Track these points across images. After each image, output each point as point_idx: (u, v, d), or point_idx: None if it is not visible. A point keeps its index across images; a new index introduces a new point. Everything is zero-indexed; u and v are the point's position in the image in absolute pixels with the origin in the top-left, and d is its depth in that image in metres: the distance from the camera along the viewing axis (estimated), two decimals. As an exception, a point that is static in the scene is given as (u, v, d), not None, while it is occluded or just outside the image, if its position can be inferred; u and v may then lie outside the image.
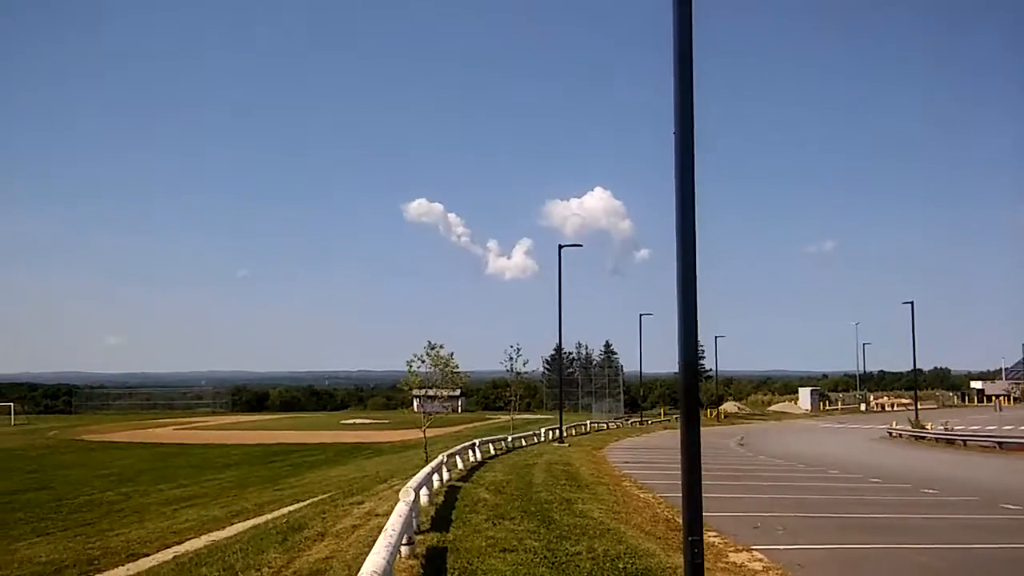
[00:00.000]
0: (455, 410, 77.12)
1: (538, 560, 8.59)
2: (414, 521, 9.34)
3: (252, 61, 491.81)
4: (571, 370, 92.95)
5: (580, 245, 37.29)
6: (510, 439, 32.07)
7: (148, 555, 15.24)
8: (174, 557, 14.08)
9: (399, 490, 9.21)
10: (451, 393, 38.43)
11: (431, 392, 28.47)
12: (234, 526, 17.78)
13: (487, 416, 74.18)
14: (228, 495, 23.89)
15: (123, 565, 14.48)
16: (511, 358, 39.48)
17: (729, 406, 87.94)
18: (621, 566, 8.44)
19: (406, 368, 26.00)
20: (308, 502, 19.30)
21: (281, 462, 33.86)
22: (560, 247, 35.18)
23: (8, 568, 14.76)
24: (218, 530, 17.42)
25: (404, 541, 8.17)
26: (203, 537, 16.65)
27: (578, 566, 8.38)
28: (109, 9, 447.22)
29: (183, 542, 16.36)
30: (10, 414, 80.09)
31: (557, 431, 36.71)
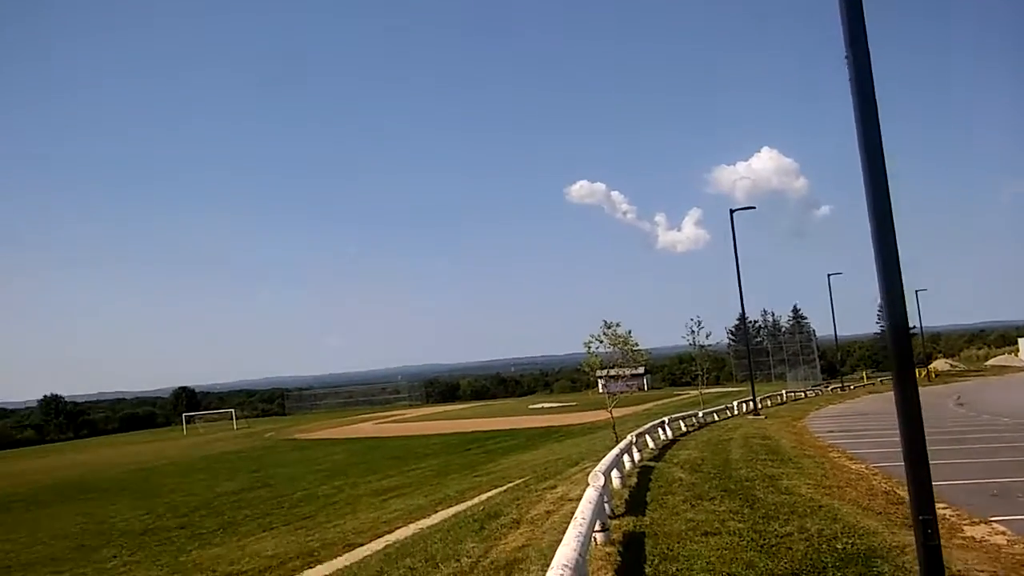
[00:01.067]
0: (640, 388, 76.40)
1: (744, 543, 8.06)
2: (607, 506, 9.11)
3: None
4: (759, 339, 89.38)
5: (753, 207, 35.33)
6: (701, 414, 31.19)
7: (362, 544, 15.97)
8: (385, 547, 14.66)
9: (590, 472, 9.00)
10: (634, 371, 37.83)
11: (613, 372, 28.13)
12: (438, 514, 18.31)
13: (675, 392, 72.90)
14: (431, 484, 24.74)
15: (341, 555, 15.24)
16: (692, 331, 38.16)
17: (940, 364, 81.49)
18: (839, 547, 7.72)
19: (585, 350, 25.81)
20: (504, 487, 19.57)
21: (477, 449, 34.76)
22: (732, 211, 33.73)
23: (240, 563, 15.93)
24: (424, 518, 17.99)
25: (598, 527, 7.94)
26: (411, 526, 17.26)
27: (790, 548, 7.75)
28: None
29: (393, 531, 17.02)
30: (232, 419, 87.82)
31: (751, 403, 35.33)
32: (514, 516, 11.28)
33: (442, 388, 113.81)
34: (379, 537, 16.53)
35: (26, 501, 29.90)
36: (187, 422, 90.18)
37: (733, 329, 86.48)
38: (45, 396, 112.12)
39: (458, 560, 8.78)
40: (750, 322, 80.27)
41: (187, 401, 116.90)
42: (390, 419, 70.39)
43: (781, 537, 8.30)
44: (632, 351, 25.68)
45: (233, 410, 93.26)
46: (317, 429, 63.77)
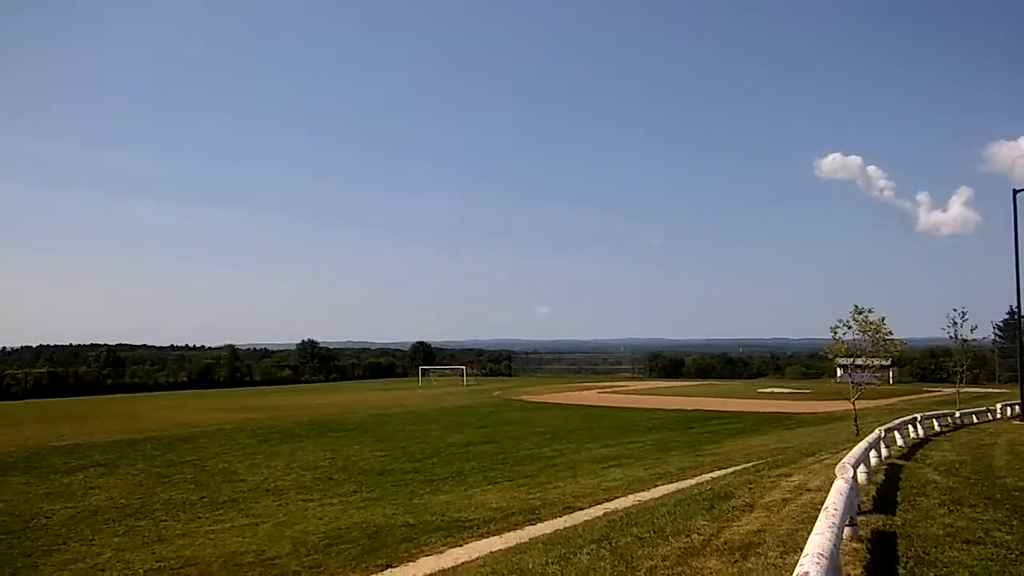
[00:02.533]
0: (887, 381, 70.86)
1: (1014, 557, 7.09)
2: (855, 501, 8.36)
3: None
4: (1031, 336, 79.38)
5: (1041, 187, 31.03)
6: (958, 415, 28.25)
7: (581, 509, 16.10)
8: (604, 513, 14.63)
9: (828, 464, 8.32)
10: (882, 362, 34.99)
11: (859, 361, 26.15)
12: (658, 488, 18.04)
13: (924, 388, 66.96)
14: (650, 458, 24.47)
15: (560, 516, 15.44)
16: (955, 323, 34.55)
17: None
18: None
19: (830, 334, 24.18)
20: (730, 470, 18.88)
21: (699, 428, 33.95)
22: (1015, 192, 29.88)
23: (467, 511, 16.61)
24: (643, 491, 17.80)
25: (846, 522, 7.31)
26: (630, 496, 17.14)
27: (1070, 569, 6.74)
28: None
29: (612, 499, 17.01)
30: (463, 375, 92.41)
31: (1017, 406, 31.50)
32: (747, 500, 10.73)
33: (665, 363, 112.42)
34: (598, 504, 16.57)
35: (283, 434, 33.19)
36: (422, 374, 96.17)
37: (1001, 324, 77.67)
38: (303, 341, 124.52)
39: (688, 536, 8.46)
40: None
41: (423, 355, 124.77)
42: (612, 389, 70.69)
43: (1059, 554, 7.21)
44: (884, 340, 23.72)
45: (464, 367, 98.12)
46: (542, 392, 65.44)
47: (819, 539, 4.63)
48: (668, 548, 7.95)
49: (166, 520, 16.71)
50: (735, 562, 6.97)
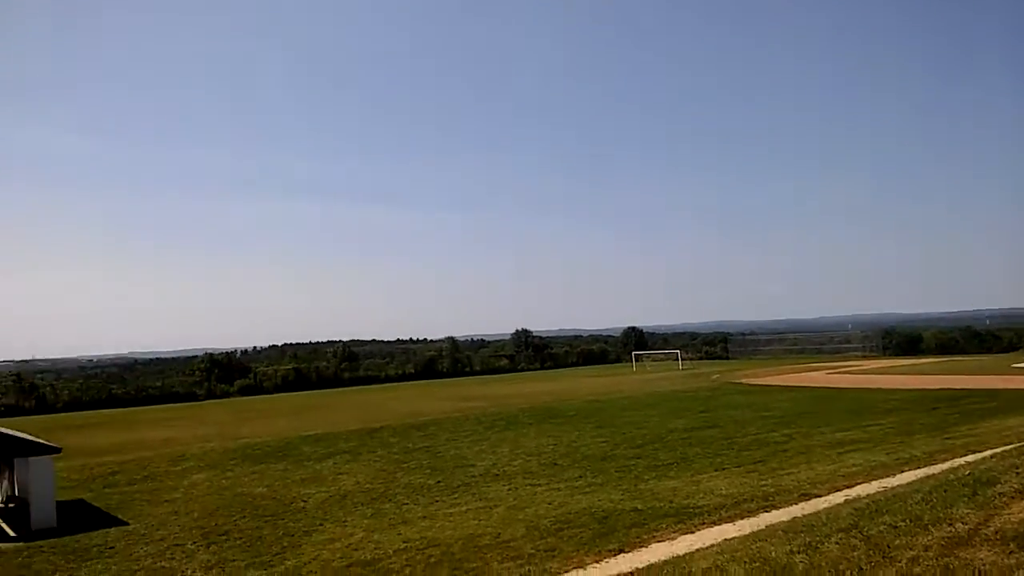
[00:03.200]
0: None
1: None
2: None
3: None
4: None
5: None
6: None
7: (819, 496, 15.29)
8: (846, 500, 13.79)
9: None
10: None
11: None
12: (904, 474, 16.77)
13: None
14: (892, 441, 22.76)
15: (797, 503, 14.75)
16: None
17: None
18: None
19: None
20: (987, 453, 17.17)
21: (946, 408, 31.10)
22: None
23: (695, 497, 16.29)
24: (888, 477, 16.63)
25: None
26: (873, 483, 16.06)
27: None
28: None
29: (853, 486, 16.01)
30: (678, 359, 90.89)
31: None
32: (1015, 485, 9.64)
33: (900, 339, 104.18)
34: (837, 491, 15.67)
35: (506, 421, 34.27)
36: (636, 360, 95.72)
37: None
38: (517, 330, 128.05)
39: (951, 524, 7.73)
40: None
41: (636, 340, 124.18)
42: (842, 370, 66.59)
43: None
44: None
45: (678, 351, 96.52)
46: (764, 375, 62.91)
47: None
48: (929, 538, 7.30)
49: (407, 503, 17.77)
50: (1011, 553, 6.26)
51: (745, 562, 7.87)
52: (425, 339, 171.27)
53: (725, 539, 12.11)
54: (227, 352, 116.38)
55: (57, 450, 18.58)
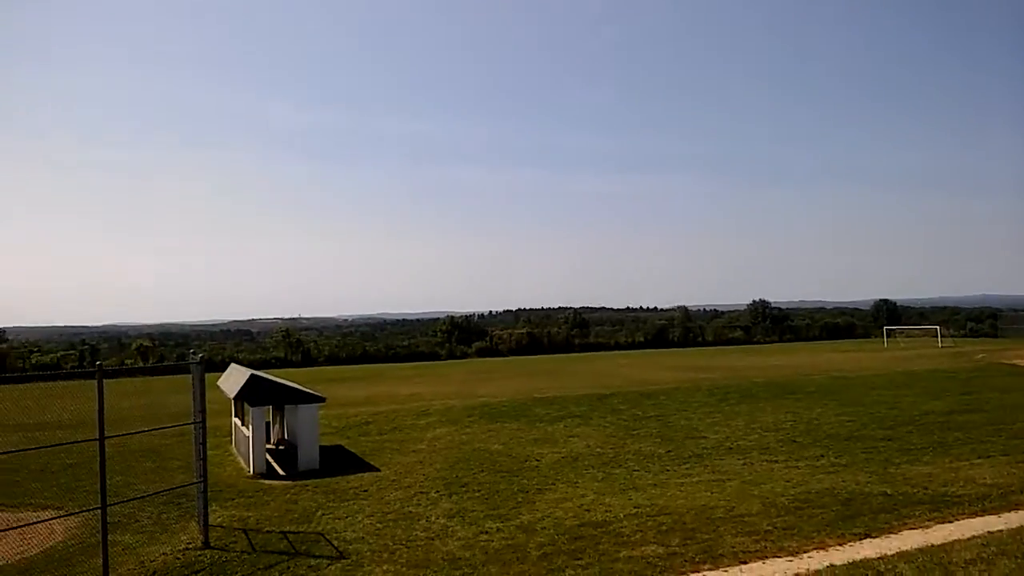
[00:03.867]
0: None
1: None
2: None
3: None
4: None
5: None
6: None
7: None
8: None
9: None
10: None
11: None
12: None
13: None
14: None
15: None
16: None
17: None
18: None
19: None
20: None
21: None
22: None
23: (953, 485, 14.93)
24: None
25: None
26: None
27: None
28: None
29: None
30: (937, 336, 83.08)
31: None
32: None
33: None
34: None
35: (740, 393, 33.17)
36: (887, 335, 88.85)
37: None
38: (753, 301, 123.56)
39: None
40: None
41: (887, 314, 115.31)
42: None
43: None
44: None
45: (937, 327, 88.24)
46: (1039, 356, 55.99)
47: None
48: None
49: (638, 470, 17.80)
50: None
51: (1017, 557, 7.07)
52: (655, 308, 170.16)
53: (989, 531, 11.02)
54: (466, 315, 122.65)
55: (322, 399, 20.52)
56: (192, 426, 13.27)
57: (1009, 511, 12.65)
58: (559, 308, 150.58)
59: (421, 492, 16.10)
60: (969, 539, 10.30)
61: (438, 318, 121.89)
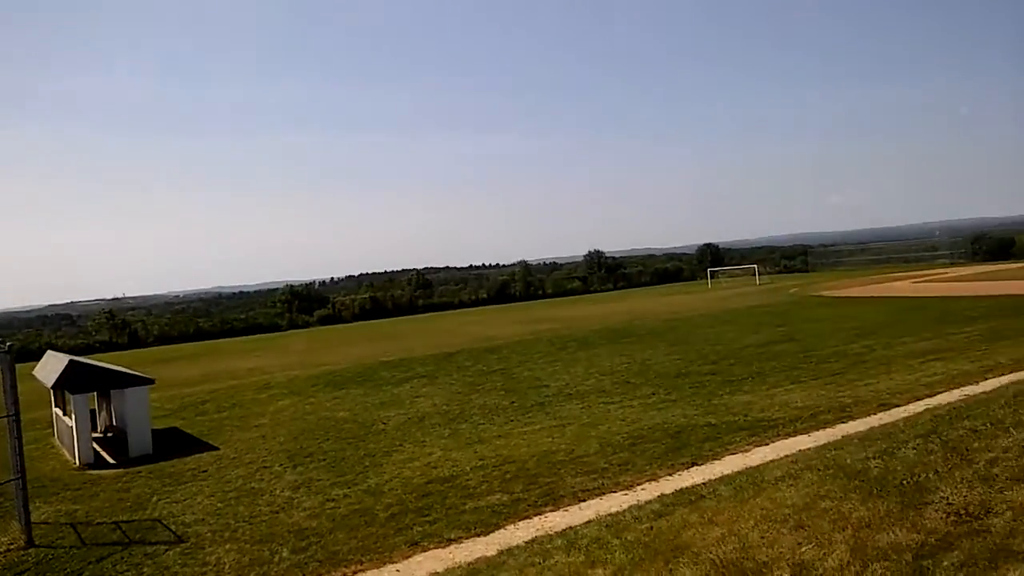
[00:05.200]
0: None
1: None
2: None
3: None
4: None
5: None
6: None
7: (898, 405, 14.99)
8: (926, 409, 13.50)
9: None
10: None
11: None
12: (988, 381, 16.29)
13: None
14: (977, 349, 22.04)
15: (875, 414, 14.49)
16: None
17: None
18: None
19: None
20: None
21: (1036, 314, 29.91)
22: None
23: (770, 410, 16.15)
24: (970, 385, 16.18)
25: None
26: (955, 391, 15.66)
27: None
28: None
29: (934, 395, 15.64)
30: (755, 275, 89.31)
31: None
32: (1107, 387, 9.26)
33: (992, 245, 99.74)
34: (918, 400, 15.34)
35: (579, 342, 34.40)
36: (711, 277, 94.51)
37: None
38: (589, 251, 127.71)
39: (1035, 427, 7.49)
40: None
41: (711, 256, 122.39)
42: (928, 278, 64.43)
43: None
44: None
45: (755, 265, 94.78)
46: (845, 286, 61.40)
47: None
48: (1010, 440, 7.08)
49: (483, 423, 18.14)
50: (1100, 454, 6.04)
51: (819, 469, 7.80)
52: (498, 264, 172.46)
53: (800, 450, 12.04)
54: (306, 284, 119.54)
55: (150, 381, 19.49)
56: (6, 420, 12.27)
57: (818, 430, 13.83)
58: (402, 270, 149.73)
59: (264, 467, 15.70)
60: (782, 458, 11.23)
61: (277, 288, 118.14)
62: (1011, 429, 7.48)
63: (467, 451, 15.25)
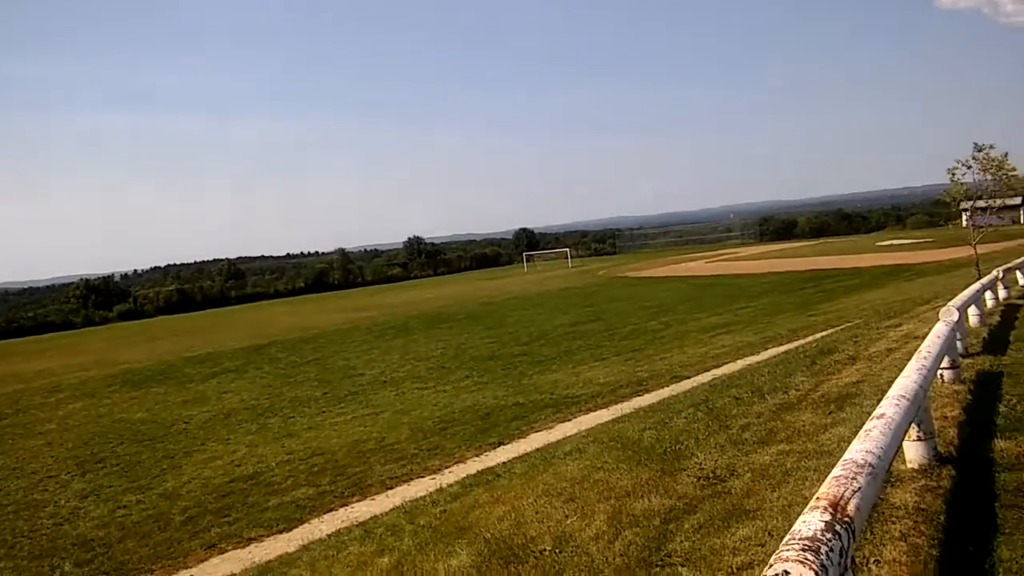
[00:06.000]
0: (1015, 221, 66.59)
1: None
2: (959, 344, 7.97)
3: None
4: None
5: None
6: (1092, 249, 26.38)
7: (688, 377, 16.15)
8: (711, 380, 14.64)
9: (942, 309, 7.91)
10: (1009, 202, 32.73)
11: (982, 203, 24.51)
12: (768, 351, 17.83)
13: (1058, 226, 62.56)
14: (761, 322, 24.11)
15: (667, 386, 15.55)
16: (1089, 152, 31.89)
17: None
18: None
19: (948, 178, 22.66)
20: (841, 327, 18.40)
21: (813, 288, 33.06)
22: None
23: (574, 387, 16.92)
24: (753, 355, 17.65)
25: (946, 364, 7.03)
26: (739, 361, 17.05)
27: None
28: None
29: (720, 366, 16.96)
30: (567, 258, 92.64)
31: None
32: (850, 353, 10.44)
33: (777, 225, 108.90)
34: (706, 371, 16.58)
35: (396, 329, 34.36)
36: (527, 261, 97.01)
37: None
38: (409, 238, 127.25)
39: (786, 392, 8.35)
40: None
41: (527, 241, 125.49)
42: (720, 258, 69.46)
43: None
44: (1008, 177, 22.11)
45: (568, 249, 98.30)
46: (647, 267, 64.97)
47: (904, 381, 4.46)
48: (764, 406, 7.87)
49: (293, 416, 17.78)
50: (829, 413, 6.84)
51: (603, 442, 8.29)
52: (317, 252, 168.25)
53: (599, 423, 12.71)
54: (104, 277, 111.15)
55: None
56: None
57: (616, 403, 14.64)
58: (213, 260, 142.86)
59: (49, 476, 14.59)
60: (578, 433, 11.84)
61: (72, 283, 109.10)
62: (767, 395, 8.30)
63: (275, 446, 14.90)
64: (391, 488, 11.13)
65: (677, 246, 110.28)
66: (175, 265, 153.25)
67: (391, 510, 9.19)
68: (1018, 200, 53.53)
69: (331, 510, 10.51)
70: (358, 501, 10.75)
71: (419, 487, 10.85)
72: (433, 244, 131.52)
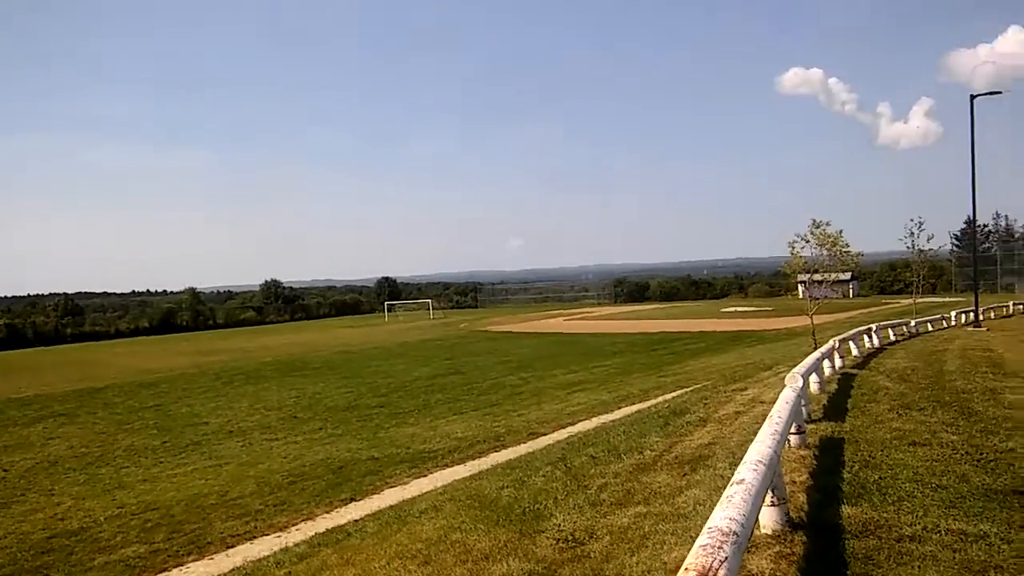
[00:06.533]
0: (846, 295, 71.97)
1: (958, 456, 7.25)
2: (804, 409, 8.42)
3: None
4: (987, 245, 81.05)
5: (999, 92, 30.83)
6: (913, 323, 28.71)
7: (545, 434, 16.24)
8: (567, 437, 14.77)
9: (784, 377, 8.33)
10: (841, 276, 35.39)
11: (817, 276, 26.36)
12: (621, 410, 18.23)
13: (883, 300, 68.12)
14: (614, 381, 24.71)
15: (525, 442, 15.55)
16: (912, 233, 35.08)
17: None
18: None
19: (788, 251, 24.28)
20: (690, 389, 19.11)
21: (663, 350, 34.32)
22: (972, 97, 29.36)
23: (431, 442, 16.66)
24: (606, 413, 18.00)
25: (793, 430, 7.38)
26: (593, 419, 17.32)
27: (1011, 465, 6.88)
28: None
29: (575, 423, 17.18)
30: (429, 309, 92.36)
31: (971, 314, 32.14)
32: (700, 415, 10.82)
33: (631, 288, 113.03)
34: (562, 428, 16.74)
35: (247, 375, 32.97)
36: (389, 310, 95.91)
37: (959, 233, 79.27)
38: (266, 281, 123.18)
39: (641, 452, 8.50)
40: (979, 227, 72.52)
41: (389, 290, 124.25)
42: (578, 316, 71.14)
43: (1001, 452, 7.41)
44: (841, 253, 23.90)
45: (431, 300, 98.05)
46: (507, 322, 65.64)
47: (759, 447, 4.61)
48: (620, 465, 7.97)
49: (127, 466, 16.58)
50: (684, 475, 7.00)
51: (460, 500, 8.15)
52: (165, 291, 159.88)
53: (453, 480, 12.50)
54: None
55: None
56: None
57: (473, 459, 14.50)
58: (48, 295, 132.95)
59: None
60: (434, 490, 11.59)
61: None
62: (623, 455, 8.44)
63: (104, 499, 13.78)
64: (232, 547, 10.45)
65: (537, 302, 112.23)
66: (5, 298, 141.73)
67: (230, 571, 8.64)
68: (849, 275, 57.87)
69: (164, 571, 9.75)
70: (195, 560, 10.03)
71: (263, 546, 10.26)
72: (292, 288, 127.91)
